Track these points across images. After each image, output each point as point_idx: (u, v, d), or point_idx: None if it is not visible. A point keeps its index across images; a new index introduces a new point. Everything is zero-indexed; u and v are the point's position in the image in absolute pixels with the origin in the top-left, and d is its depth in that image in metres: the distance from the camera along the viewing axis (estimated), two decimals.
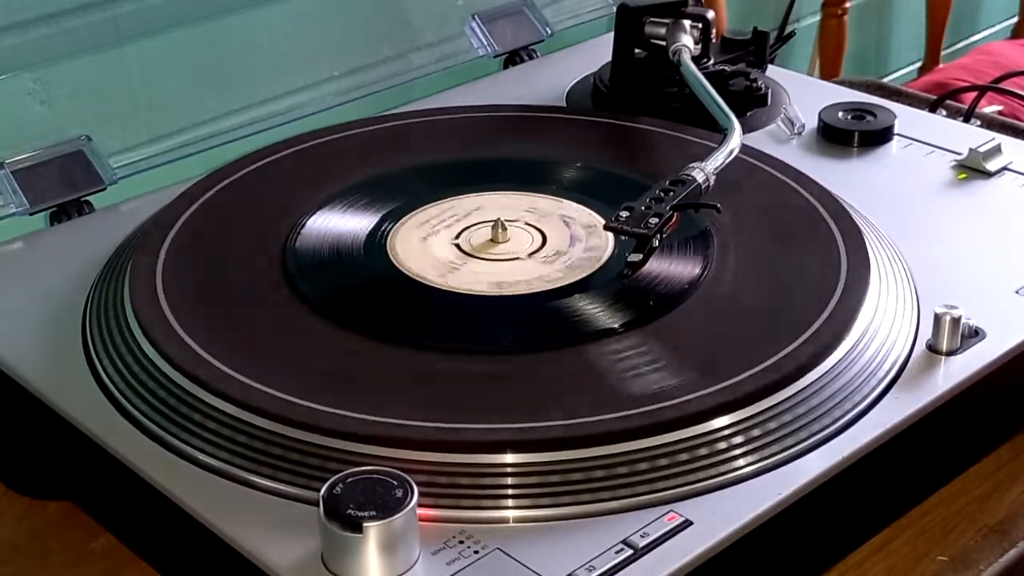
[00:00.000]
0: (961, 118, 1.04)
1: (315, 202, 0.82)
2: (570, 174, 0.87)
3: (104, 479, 0.67)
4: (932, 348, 0.70)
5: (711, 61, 0.96)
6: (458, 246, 0.78)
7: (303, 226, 0.80)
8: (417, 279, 0.75)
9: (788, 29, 1.05)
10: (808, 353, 0.67)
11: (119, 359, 0.70)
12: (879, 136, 0.92)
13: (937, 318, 0.70)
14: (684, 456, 0.62)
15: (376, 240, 0.78)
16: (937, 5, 1.89)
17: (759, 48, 1.00)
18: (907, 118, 0.94)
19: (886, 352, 0.69)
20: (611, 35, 0.99)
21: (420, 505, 0.57)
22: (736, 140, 0.83)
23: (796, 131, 0.94)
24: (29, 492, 0.74)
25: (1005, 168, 0.88)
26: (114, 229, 0.83)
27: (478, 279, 0.75)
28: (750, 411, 0.64)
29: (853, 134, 0.92)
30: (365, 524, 0.55)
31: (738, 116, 0.86)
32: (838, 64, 1.78)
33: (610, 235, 0.77)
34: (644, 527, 0.59)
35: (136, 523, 0.68)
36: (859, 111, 0.94)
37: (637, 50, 0.98)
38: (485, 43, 1.10)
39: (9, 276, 0.80)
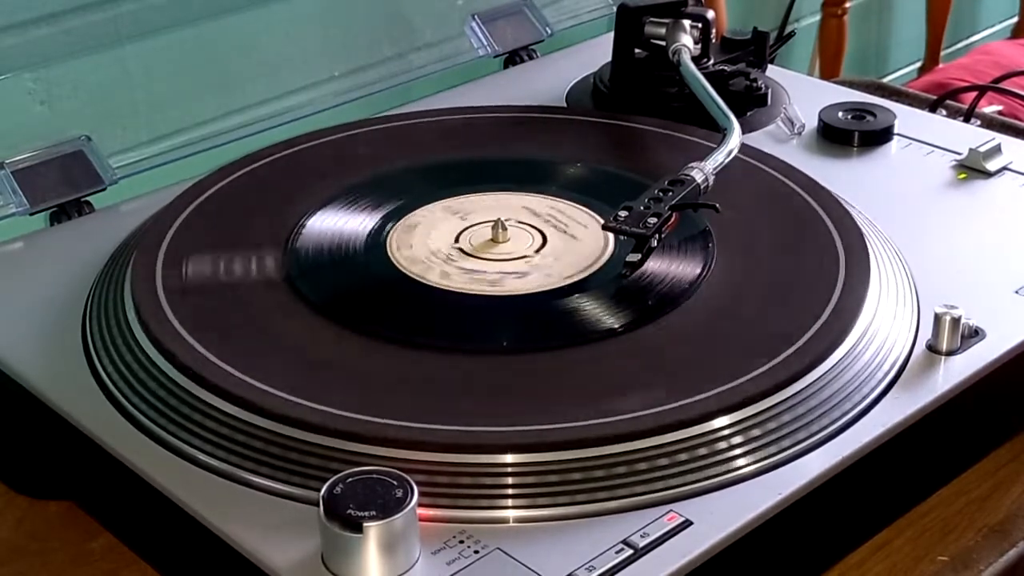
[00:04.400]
0: (961, 118, 1.04)
1: (315, 202, 0.82)
2: (570, 174, 0.87)
3: (104, 479, 0.67)
4: (932, 348, 0.70)
5: (711, 61, 0.96)
6: (458, 246, 0.78)
7: (303, 226, 0.80)
8: (417, 279, 0.75)
9: (788, 29, 1.05)
10: (808, 353, 0.67)
11: (119, 359, 0.70)
12: (879, 136, 0.92)
13: (937, 318, 0.70)
14: (684, 456, 0.61)
15: (376, 240, 0.78)
16: (937, 5, 1.89)
17: (759, 48, 1.00)
18: (907, 118, 0.94)
19: (886, 352, 0.69)
20: (611, 35, 0.99)
21: (420, 505, 0.57)
22: (735, 140, 0.83)
23: (796, 131, 0.94)
24: (29, 492, 0.74)
25: (1005, 168, 0.88)
26: (114, 229, 0.83)
27: (478, 279, 0.75)
28: (750, 411, 0.64)
29: (853, 134, 0.92)
30: (365, 524, 0.55)
31: (738, 116, 0.86)
32: (838, 64, 1.78)
33: (610, 235, 0.77)
34: (644, 527, 0.59)
35: (136, 523, 0.68)
36: (859, 111, 0.94)
37: (637, 50, 0.98)
38: (485, 43, 1.10)
39: (9, 276, 0.80)
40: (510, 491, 0.60)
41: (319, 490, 0.57)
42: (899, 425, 0.65)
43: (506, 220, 0.79)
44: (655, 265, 0.74)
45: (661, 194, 0.76)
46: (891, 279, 0.74)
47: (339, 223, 0.80)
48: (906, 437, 0.66)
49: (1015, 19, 2.10)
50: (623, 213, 0.74)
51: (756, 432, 0.63)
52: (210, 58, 0.98)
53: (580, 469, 0.61)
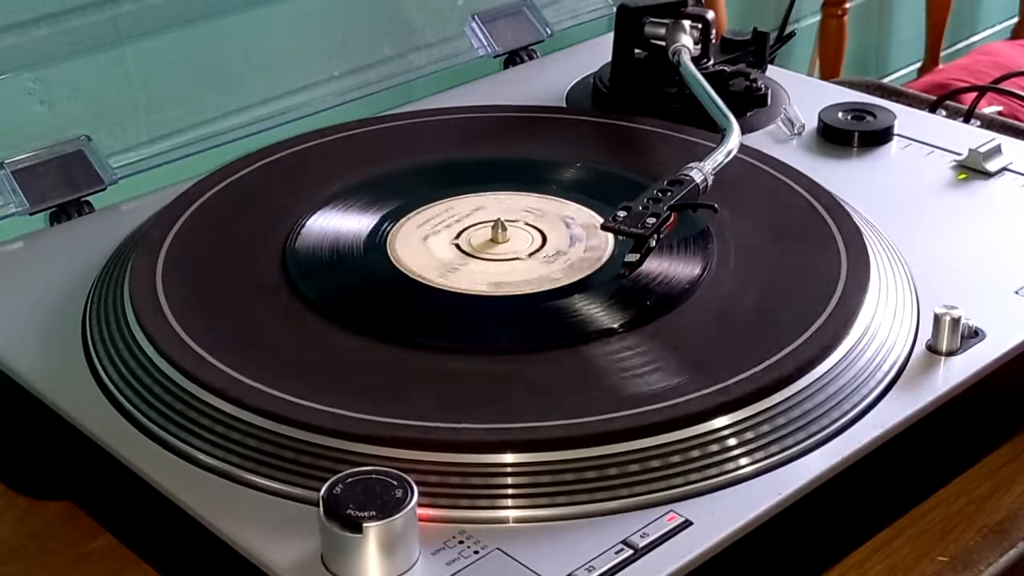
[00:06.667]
0: (961, 118, 1.04)
1: (315, 202, 0.82)
2: (570, 174, 0.87)
3: (104, 479, 0.67)
4: (932, 348, 0.70)
5: (711, 61, 0.96)
6: (458, 246, 0.78)
7: (303, 226, 0.80)
8: (417, 279, 0.75)
9: (788, 29, 1.05)
10: (808, 353, 0.67)
11: (119, 359, 0.70)
12: (879, 136, 0.92)
13: (937, 318, 0.70)
14: (684, 456, 0.61)
15: (376, 240, 0.78)
16: (937, 5, 1.89)
17: (759, 48, 1.00)
18: (907, 118, 0.94)
19: (886, 352, 0.69)
20: (611, 35, 0.99)
21: (420, 505, 0.57)
22: (735, 140, 0.83)
23: (796, 131, 0.94)
24: (29, 492, 0.74)
25: (1005, 168, 0.88)
26: (114, 229, 0.83)
27: (478, 279, 0.75)
28: (750, 411, 0.64)
29: (853, 134, 0.92)
30: (365, 524, 0.55)
31: (738, 116, 0.86)
32: (838, 64, 1.78)
33: (610, 235, 0.77)
34: (644, 527, 0.59)
35: (136, 523, 0.68)
36: (859, 111, 0.94)
37: (637, 50, 0.98)
38: (485, 43, 1.10)
39: (9, 276, 0.80)
40: (510, 491, 0.60)
41: (319, 490, 0.57)
42: (899, 425, 0.65)
43: (506, 220, 0.79)
44: (655, 265, 0.74)
45: (660, 194, 0.76)
46: (891, 279, 0.74)
47: (339, 223, 0.80)
48: (906, 437, 0.66)
49: (1015, 19, 2.10)
50: (622, 213, 0.74)
51: (756, 432, 0.63)
52: (210, 58, 0.98)
53: (580, 469, 0.61)
